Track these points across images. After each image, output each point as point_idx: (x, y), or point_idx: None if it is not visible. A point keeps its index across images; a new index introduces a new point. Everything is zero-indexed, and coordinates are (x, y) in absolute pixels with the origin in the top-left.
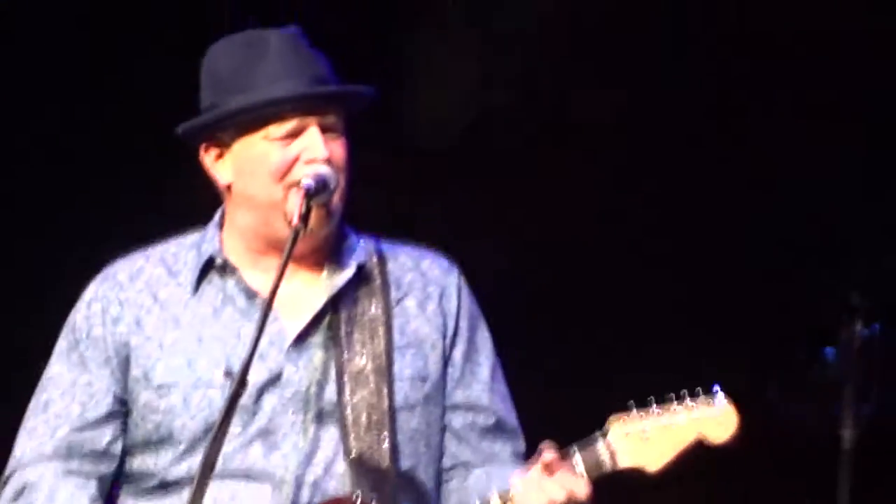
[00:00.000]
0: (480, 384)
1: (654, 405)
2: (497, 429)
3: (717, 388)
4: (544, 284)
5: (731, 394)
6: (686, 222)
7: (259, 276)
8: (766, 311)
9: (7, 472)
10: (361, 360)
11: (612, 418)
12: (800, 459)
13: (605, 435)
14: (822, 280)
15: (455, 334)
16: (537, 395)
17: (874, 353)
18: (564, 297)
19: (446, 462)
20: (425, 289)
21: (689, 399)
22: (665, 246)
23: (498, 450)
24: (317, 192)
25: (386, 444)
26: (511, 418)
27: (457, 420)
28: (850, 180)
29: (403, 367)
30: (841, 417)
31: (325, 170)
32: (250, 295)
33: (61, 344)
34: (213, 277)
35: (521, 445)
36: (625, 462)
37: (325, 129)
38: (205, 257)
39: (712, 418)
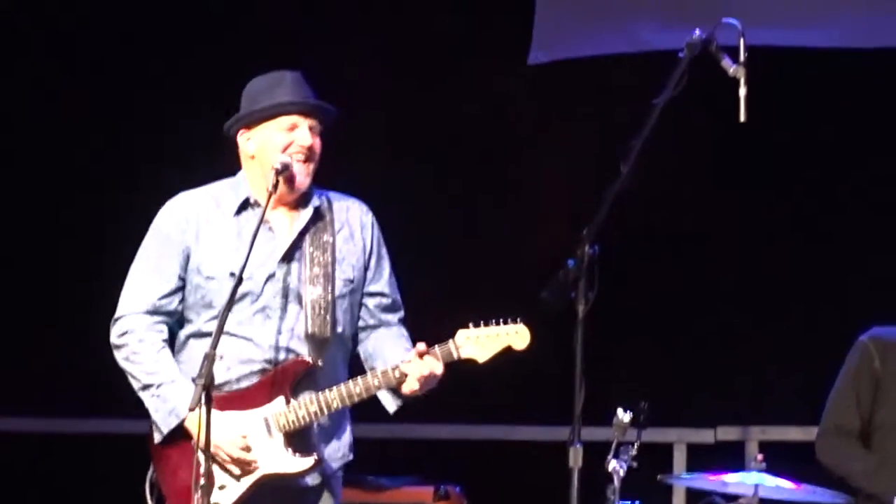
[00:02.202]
0: (384, 279)
1: (483, 323)
2: (392, 306)
3: (519, 319)
4: None
5: (528, 323)
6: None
7: (269, 211)
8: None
9: (116, 314)
10: (316, 268)
11: (459, 330)
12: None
13: (453, 338)
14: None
15: (371, 251)
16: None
17: (593, 263)
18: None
19: (361, 324)
20: (353, 223)
21: (504, 322)
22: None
23: (390, 319)
24: (283, 170)
25: (329, 323)
26: (398, 298)
27: (370, 301)
28: None
29: (339, 273)
30: (577, 299)
31: (289, 160)
32: (266, 223)
33: (151, 237)
34: (248, 210)
35: (402, 314)
36: (464, 354)
37: (310, 128)
38: (242, 197)
39: (516, 333)
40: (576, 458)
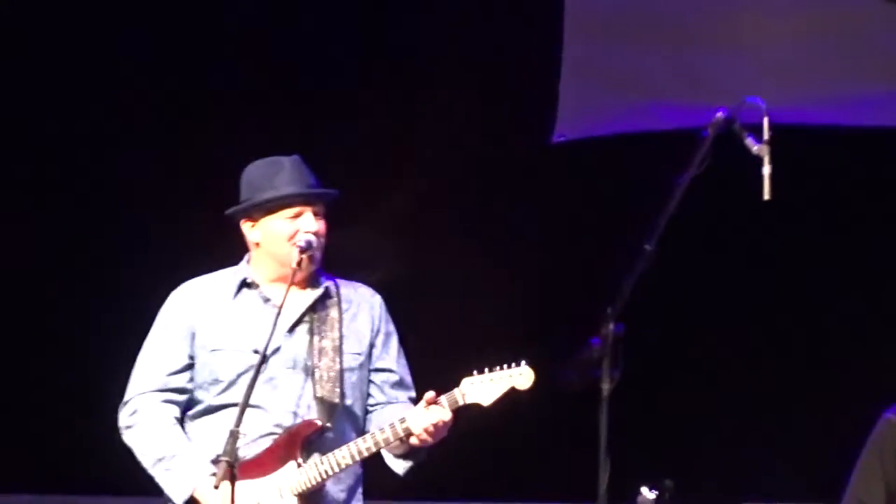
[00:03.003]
0: (391, 357)
1: (487, 370)
2: (400, 383)
3: (523, 361)
4: None
5: (531, 365)
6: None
7: (270, 290)
8: (562, 319)
9: (125, 398)
10: (325, 341)
11: (464, 378)
12: (571, 405)
13: (459, 385)
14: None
15: (378, 330)
16: (421, 367)
17: (618, 342)
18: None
19: (370, 402)
20: (361, 304)
21: (507, 366)
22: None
23: (400, 396)
24: (307, 249)
25: (337, 391)
26: (408, 377)
27: (377, 378)
28: None
29: (347, 346)
30: (602, 378)
31: (311, 238)
32: (265, 300)
33: (157, 324)
34: (245, 290)
35: (413, 394)
36: (469, 400)
37: (314, 213)
38: (240, 278)
39: (520, 375)
40: None
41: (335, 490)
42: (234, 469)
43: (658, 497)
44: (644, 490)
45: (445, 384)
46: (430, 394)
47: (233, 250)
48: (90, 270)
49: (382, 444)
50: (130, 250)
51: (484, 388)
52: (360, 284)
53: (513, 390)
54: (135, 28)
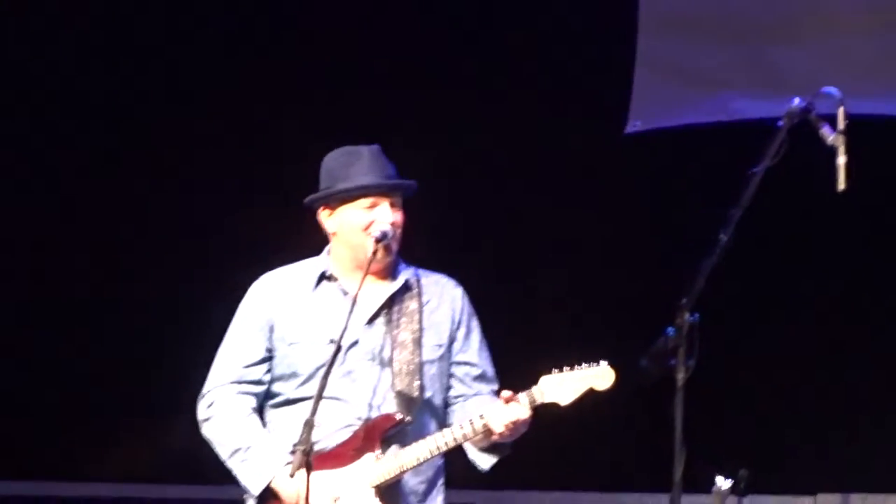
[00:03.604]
0: (473, 350)
1: (567, 368)
2: (482, 377)
3: (604, 361)
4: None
5: (611, 363)
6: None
7: (349, 282)
8: (637, 309)
9: (204, 391)
10: (404, 333)
11: (543, 376)
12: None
13: (537, 383)
14: (672, 287)
15: (459, 322)
16: (500, 362)
17: (693, 331)
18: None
19: (451, 395)
20: (442, 296)
21: (587, 364)
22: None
23: (482, 389)
24: (382, 239)
25: (416, 384)
26: (490, 370)
27: (458, 371)
28: None
29: (427, 339)
30: (676, 367)
31: (387, 228)
32: (344, 293)
33: (237, 316)
34: (324, 283)
35: (496, 387)
36: (548, 399)
37: (391, 204)
38: (320, 271)
39: (599, 375)
40: None
41: (414, 482)
42: (309, 459)
43: (733, 486)
44: (719, 479)
45: (524, 378)
46: (506, 393)
47: (313, 242)
48: (174, 264)
49: (461, 440)
50: (211, 242)
51: (563, 387)
52: (442, 276)
53: (591, 391)
54: (211, 12)
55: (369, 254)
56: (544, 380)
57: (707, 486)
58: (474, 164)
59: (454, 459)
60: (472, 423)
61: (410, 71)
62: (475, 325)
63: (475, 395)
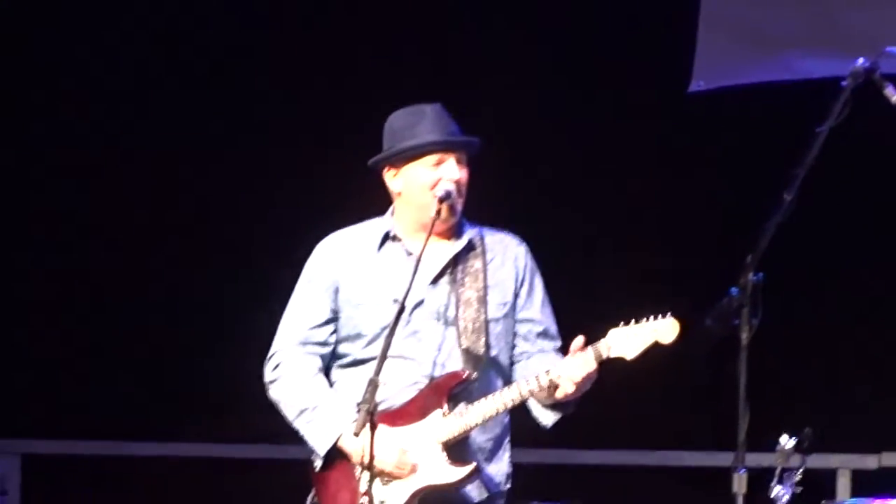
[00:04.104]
0: (535, 307)
1: (633, 321)
2: (545, 333)
3: (668, 313)
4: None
5: (676, 316)
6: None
7: (413, 242)
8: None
9: (270, 353)
10: (469, 292)
11: (610, 330)
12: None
13: (605, 337)
14: (738, 248)
15: (522, 279)
16: (570, 314)
17: (757, 290)
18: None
19: (515, 352)
20: (505, 253)
21: (653, 318)
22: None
23: (545, 346)
24: (446, 198)
25: (482, 341)
26: (553, 328)
27: (522, 328)
28: None
29: (492, 297)
30: (741, 326)
31: (451, 187)
32: (408, 253)
33: (303, 277)
34: (388, 243)
35: (559, 343)
36: (615, 353)
37: (457, 161)
38: (384, 231)
39: (665, 328)
40: (740, 484)
41: (482, 439)
42: (373, 417)
43: (797, 444)
44: (784, 438)
45: (588, 335)
46: (579, 340)
47: (378, 200)
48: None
49: (527, 395)
50: (277, 204)
51: (629, 340)
52: (505, 233)
53: (656, 344)
54: None
55: (433, 213)
56: (612, 333)
57: (772, 445)
58: (536, 123)
59: (519, 418)
60: (537, 379)
61: (467, 35)
62: (538, 281)
63: (539, 351)
